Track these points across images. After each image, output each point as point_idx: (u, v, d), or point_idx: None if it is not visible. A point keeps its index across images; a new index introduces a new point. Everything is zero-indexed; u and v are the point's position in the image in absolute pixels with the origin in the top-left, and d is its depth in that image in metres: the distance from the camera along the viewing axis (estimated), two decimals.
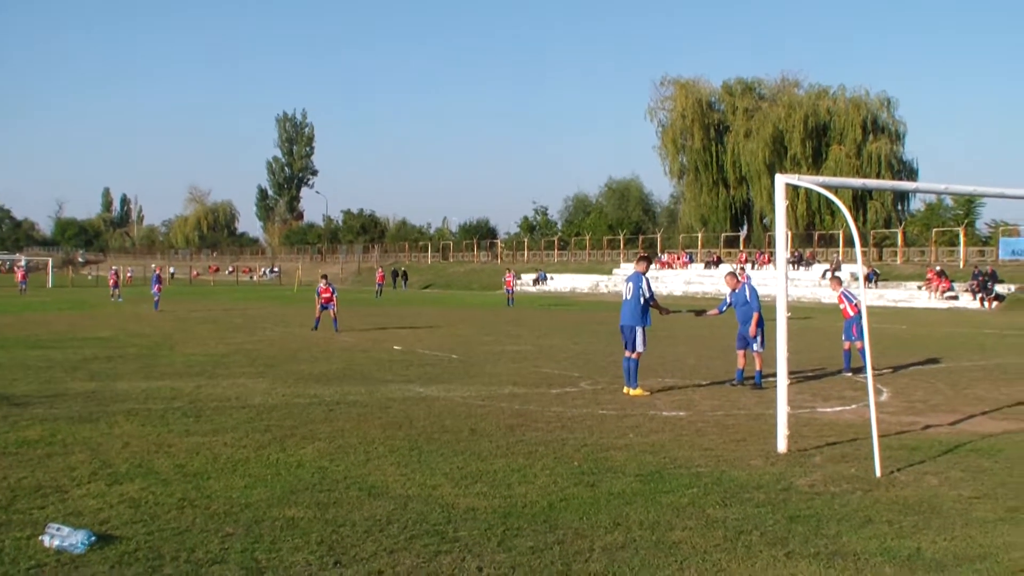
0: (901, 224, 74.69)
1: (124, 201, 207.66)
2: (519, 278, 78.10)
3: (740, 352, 17.12)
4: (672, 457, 10.22)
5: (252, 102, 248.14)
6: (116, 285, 56.65)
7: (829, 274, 58.06)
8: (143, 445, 10.62)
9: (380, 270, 74.34)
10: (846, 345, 19.05)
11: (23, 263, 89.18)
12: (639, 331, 15.55)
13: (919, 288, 55.32)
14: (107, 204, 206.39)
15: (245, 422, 12.32)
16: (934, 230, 69.06)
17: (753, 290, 17.23)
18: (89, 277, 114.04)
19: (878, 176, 73.81)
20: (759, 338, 16.78)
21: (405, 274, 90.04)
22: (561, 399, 14.90)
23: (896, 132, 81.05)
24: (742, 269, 50.35)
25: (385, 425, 12.17)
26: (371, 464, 9.71)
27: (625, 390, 15.52)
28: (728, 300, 17.64)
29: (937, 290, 53.43)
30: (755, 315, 16.74)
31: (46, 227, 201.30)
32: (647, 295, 15.62)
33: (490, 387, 16.28)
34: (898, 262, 66.68)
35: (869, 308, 15.56)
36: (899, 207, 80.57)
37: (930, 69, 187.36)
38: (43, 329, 29.99)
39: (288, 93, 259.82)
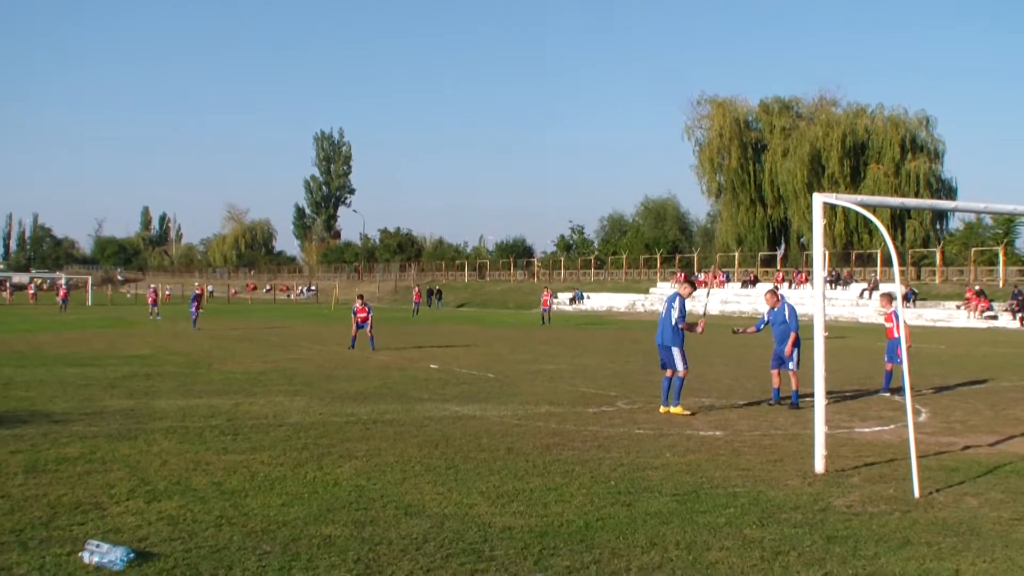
0: (940, 243, 74.18)
1: (163, 220, 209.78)
2: (555, 297, 78.09)
3: (775, 372, 17.04)
4: (709, 477, 10.19)
5: (290, 121, 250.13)
6: (155, 303, 57.02)
7: (868, 295, 57.78)
8: (181, 463, 10.69)
9: (417, 289, 74.55)
10: (889, 366, 18.88)
11: (64, 281, 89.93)
12: (675, 351, 15.50)
13: (958, 307, 54.90)
14: (146, 223, 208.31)
15: (282, 440, 12.37)
16: (973, 249, 68.49)
17: (792, 309, 17.15)
18: (128, 295, 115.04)
19: (916, 195, 73.28)
20: (795, 357, 16.70)
21: (440, 292, 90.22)
22: (597, 418, 14.87)
23: (935, 151, 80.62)
24: (777, 288, 50.14)
25: (422, 444, 12.19)
26: (408, 483, 9.73)
27: (662, 409, 15.49)
28: (766, 318, 17.55)
29: (976, 309, 52.99)
30: (792, 334, 16.66)
31: (86, 245, 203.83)
32: (676, 316, 15.58)
33: (526, 406, 16.26)
34: (937, 281, 66.19)
35: (908, 327, 15.49)
36: (938, 226, 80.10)
37: (969, 87, 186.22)
38: (82, 347, 30.26)
39: (326, 112, 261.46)
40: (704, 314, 16.55)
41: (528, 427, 13.80)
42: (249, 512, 8.39)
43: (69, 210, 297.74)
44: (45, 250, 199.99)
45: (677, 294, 15.92)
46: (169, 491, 9.21)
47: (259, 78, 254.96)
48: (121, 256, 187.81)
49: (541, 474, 10.24)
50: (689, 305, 16.16)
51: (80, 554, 6.93)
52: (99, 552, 6.84)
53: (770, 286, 55.98)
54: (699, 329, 16.01)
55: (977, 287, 56.35)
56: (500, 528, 7.94)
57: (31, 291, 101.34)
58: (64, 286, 78.27)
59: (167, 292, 58.84)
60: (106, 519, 8.14)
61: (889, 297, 20.29)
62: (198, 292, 47.32)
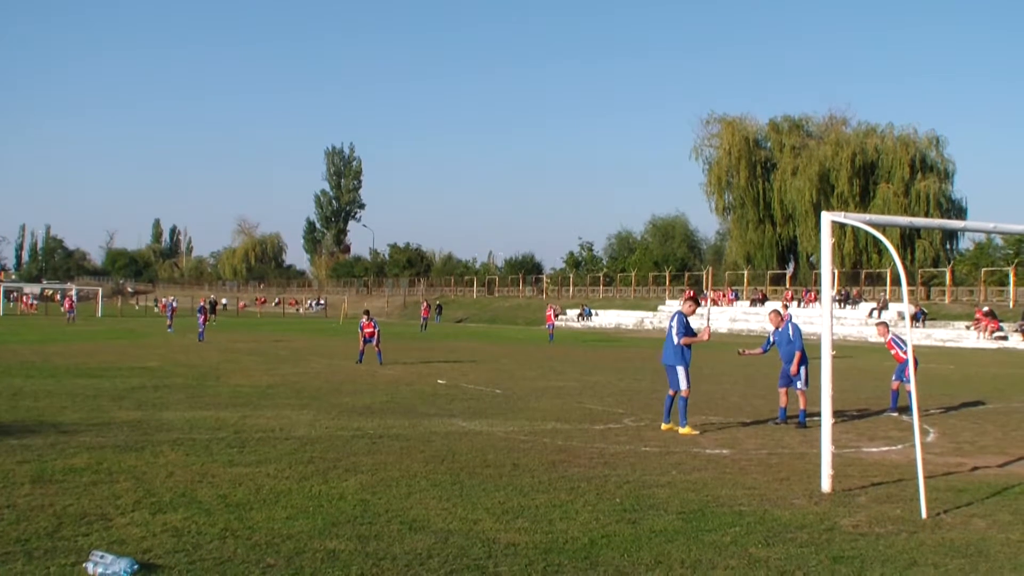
0: (950, 263, 74.06)
1: (174, 232, 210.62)
2: (564, 313, 77.95)
3: (782, 390, 17.02)
4: (715, 495, 10.16)
5: (301, 136, 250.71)
6: (172, 316, 57.01)
7: (877, 314, 57.71)
8: (187, 475, 10.70)
9: (425, 304, 74.61)
10: (894, 385, 18.85)
11: (73, 293, 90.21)
12: (678, 369, 15.47)
13: (967, 328, 54.72)
14: (157, 235, 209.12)
15: (288, 453, 12.38)
16: (983, 269, 68.41)
17: (796, 328, 17.12)
18: (136, 307, 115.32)
19: (926, 215, 73.21)
20: (802, 376, 16.67)
21: (440, 307, 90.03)
22: (604, 435, 14.85)
23: (945, 171, 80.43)
24: (784, 307, 49.99)
25: (427, 459, 12.19)
26: (413, 498, 9.72)
27: (663, 426, 15.48)
28: (771, 339, 17.54)
29: (986, 330, 52.83)
30: (797, 353, 16.64)
31: (97, 257, 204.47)
32: (676, 333, 15.58)
33: (533, 422, 16.25)
34: (946, 301, 66.10)
35: (916, 347, 15.44)
36: (948, 246, 79.90)
37: (980, 107, 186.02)
38: (91, 358, 30.30)
39: (336, 127, 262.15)
40: (708, 322, 16.49)
41: (534, 443, 13.79)
42: (254, 525, 8.39)
43: (81, 222, 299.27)
44: (57, 261, 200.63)
45: (679, 312, 15.94)
46: (174, 503, 9.22)
47: (271, 92, 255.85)
48: (132, 268, 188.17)
49: (547, 491, 10.23)
50: (695, 323, 16.16)
51: (84, 565, 6.94)
52: (103, 563, 6.85)
53: (778, 304, 55.89)
54: (704, 336, 16.04)
55: (987, 308, 56.21)
56: (505, 544, 7.93)
57: (26, 302, 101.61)
58: (71, 297, 78.62)
59: (174, 304, 58.76)
60: (111, 530, 8.15)
61: (886, 325, 20.31)
62: (202, 304, 47.25)
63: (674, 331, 15.64)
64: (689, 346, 15.72)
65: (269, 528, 8.29)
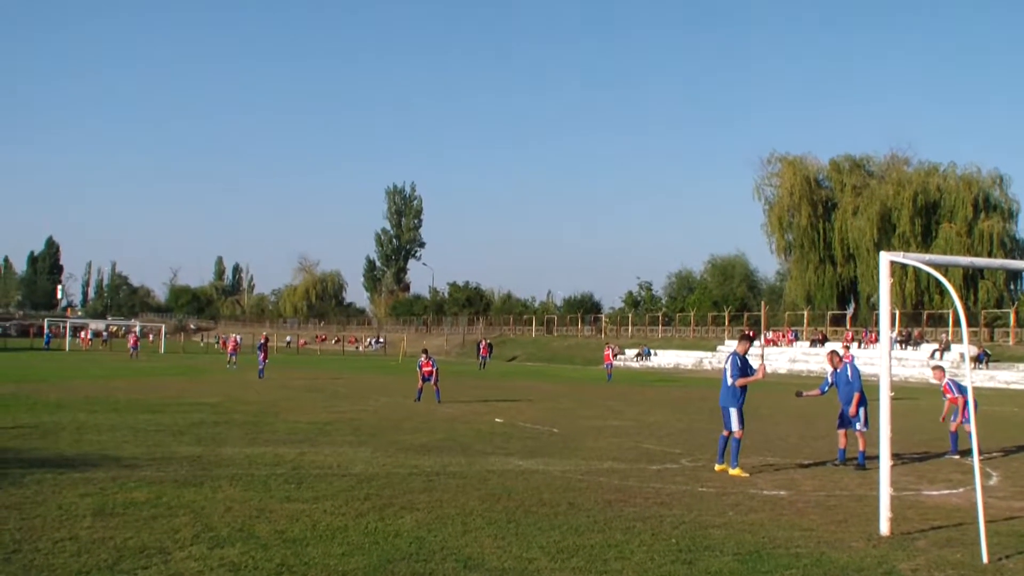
0: (1014, 304, 72.94)
1: (236, 270, 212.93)
2: (622, 352, 77.65)
3: (841, 432, 16.87)
4: (771, 537, 10.10)
5: (362, 175, 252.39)
6: (234, 352, 57.37)
7: (939, 356, 56.94)
8: (245, 510, 10.81)
9: (484, 342, 74.71)
10: (953, 427, 18.63)
11: (137, 329, 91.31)
12: (731, 411, 15.36)
13: None
14: (219, 272, 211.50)
15: (345, 490, 12.46)
16: None
17: (855, 369, 17.00)
18: (201, 344, 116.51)
19: (989, 255, 72.21)
20: (861, 417, 16.54)
21: (490, 346, 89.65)
22: (661, 475, 14.81)
23: (1009, 210, 79.35)
24: (846, 348, 49.37)
25: (483, 497, 12.22)
26: (468, 535, 9.75)
27: (716, 467, 15.42)
28: (830, 380, 17.41)
29: None
30: (856, 394, 16.51)
31: (161, 294, 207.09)
32: (730, 375, 15.50)
33: (589, 461, 16.23)
34: (1010, 343, 65.07)
35: (978, 390, 15.25)
36: (1012, 287, 78.77)
37: None
38: (154, 394, 30.64)
39: (397, 166, 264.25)
40: (763, 360, 16.39)
41: (590, 483, 13.78)
42: (310, 561, 8.46)
43: (145, 259, 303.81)
44: (122, 298, 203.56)
45: (734, 353, 15.89)
46: (232, 538, 9.32)
47: (333, 132, 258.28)
48: (194, 305, 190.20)
49: (602, 530, 10.22)
50: (752, 361, 16.08)
51: None
52: None
53: (838, 345, 55.28)
54: (760, 375, 15.93)
55: None
56: None
57: (84, 338, 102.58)
58: (135, 334, 79.61)
59: (235, 340, 59.13)
60: (169, 564, 8.25)
61: (942, 369, 20.08)
62: (263, 341, 47.48)
63: (728, 373, 15.59)
64: (744, 388, 15.64)
65: (325, 564, 8.36)
